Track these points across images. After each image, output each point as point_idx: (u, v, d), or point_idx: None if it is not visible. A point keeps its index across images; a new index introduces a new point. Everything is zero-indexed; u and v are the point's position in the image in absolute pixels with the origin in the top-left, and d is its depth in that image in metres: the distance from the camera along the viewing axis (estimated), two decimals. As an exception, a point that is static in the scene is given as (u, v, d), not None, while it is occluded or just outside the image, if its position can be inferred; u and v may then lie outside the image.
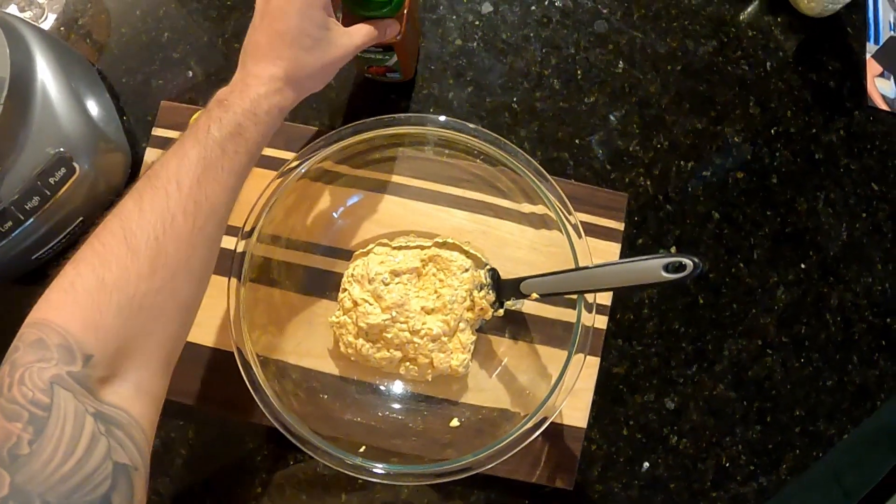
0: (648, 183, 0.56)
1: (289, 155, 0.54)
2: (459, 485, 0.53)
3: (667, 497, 0.53)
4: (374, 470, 0.44)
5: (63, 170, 0.51)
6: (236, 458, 0.54)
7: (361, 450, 0.45)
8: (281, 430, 0.44)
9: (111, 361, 0.33)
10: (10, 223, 0.51)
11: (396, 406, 0.50)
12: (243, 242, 0.47)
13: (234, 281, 0.47)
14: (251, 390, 0.45)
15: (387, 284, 0.48)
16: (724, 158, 0.57)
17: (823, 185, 0.57)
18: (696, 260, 0.38)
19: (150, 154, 0.55)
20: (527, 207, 0.50)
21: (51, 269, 0.54)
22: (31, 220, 0.51)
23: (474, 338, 0.50)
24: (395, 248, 0.50)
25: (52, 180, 0.50)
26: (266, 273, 0.50)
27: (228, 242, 0.53)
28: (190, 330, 0.39)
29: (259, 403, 0.45)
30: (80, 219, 0.53)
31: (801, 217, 0.57)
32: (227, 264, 0.53)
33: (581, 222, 0.47)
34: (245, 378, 0.45)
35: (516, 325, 0.51)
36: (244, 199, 0.53)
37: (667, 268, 0.38)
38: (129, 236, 0.34)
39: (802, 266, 0.56)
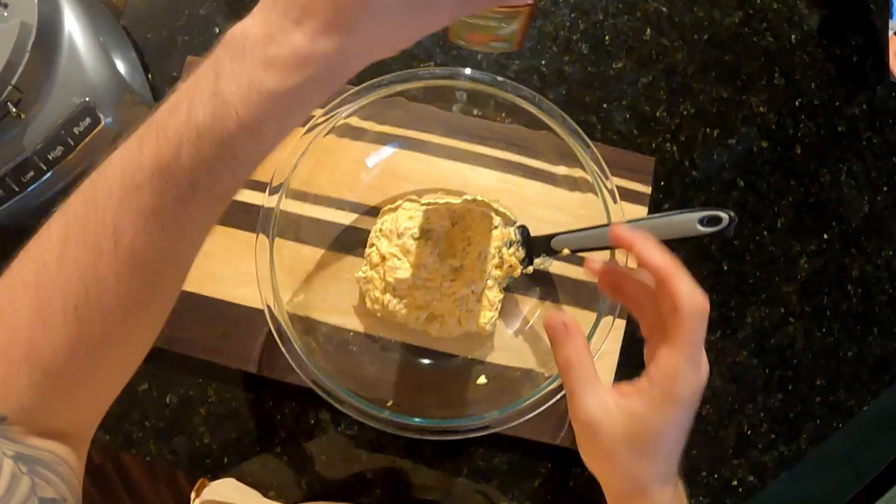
0: (675, 149, 0.56)
1: (315, 110, 0.53)
2: (482, 447, 0.52)
3: (688, 464, 0.53)
4: (403, 423, 0.43)
5: (88, 120, 0.50)
6: (256, 417, 0.53)
7: (389, 403, 0.45)
8: (311, 385, 0.44)
9: (29, 418, 0.28)
10: (31, 173, 0.50)
11: (421, 364, 0.50)
12: (272, 198, 0.46)
13: (262, 238, 0.46)
14: (281, 346, 0.44)
15: (416, 240, 0.48)
16: (749, 127, 0.57)
17: (846, 157, 0.57)
18: (731, 213, 0.38)
19: (175, 108, 0.54)
20: (560, 169, 0.50)
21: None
22: (53, 171, 0.51)
23: (501, 296, 0.50)
24: (423, 204, 0.50)
25: (76, 130, 0.50)
26: (293, 229, 0.50)
27: (254, 198, 0.53)
28: (131, 375, 0.32)
29: (290, 359, 0.44)
30: (103, 171, 0.52)
31: (823, 188, 0.57)
32: (252, 220, 0.53)
33: (612, 184, 0.47)
34: (275, 334, 0.44)
35: (543, 285, 0.51)
36: (275, 156, 0.53)
37: (702, 221, 0.38)
38: (43, 301, 0.26)
39: (825, 236, 0.56)
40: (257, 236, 0.45)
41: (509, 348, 0.50)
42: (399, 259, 0.47)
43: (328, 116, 0.47)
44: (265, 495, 0.53)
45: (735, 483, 0.53)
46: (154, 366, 0.54)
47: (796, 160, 0.57)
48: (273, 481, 0.53)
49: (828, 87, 0.58)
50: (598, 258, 0.38)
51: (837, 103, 0.58)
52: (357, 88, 0.47)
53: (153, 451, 0.54)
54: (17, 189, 0.50)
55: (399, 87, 0.48)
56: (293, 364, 0.44)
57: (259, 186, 0.53)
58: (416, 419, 0.43)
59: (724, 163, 0.56)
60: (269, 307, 0.45)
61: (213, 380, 0.54)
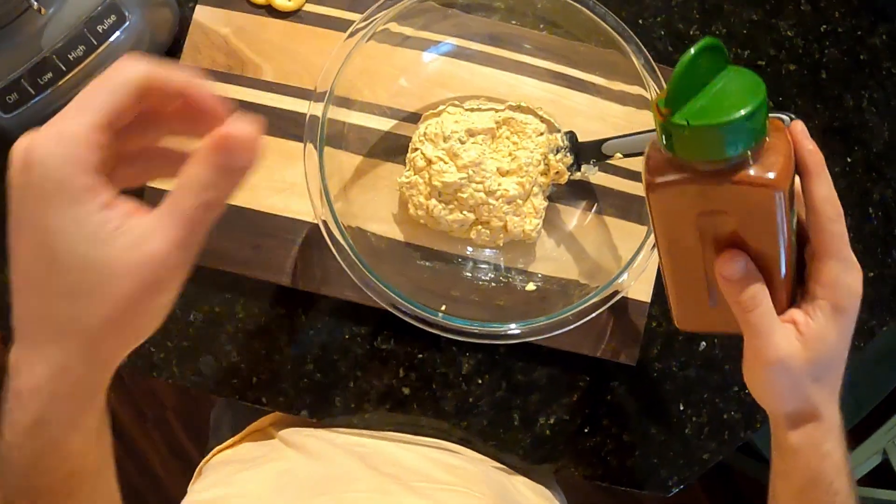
0: (708, 70, 0.56)
1: (353, 16, 0.51)
2: (521, 361, 0.52)
3: (721, 378, 0.54)
4: (455, 327, 0.42)
5: (113, 17, 0.47)
6: (287, 333, 0.51)
7: (442, 308, 0.43)
8: (364, 288, 0.42)
9: None
10: (49, 74, 0.47)
11: (464, 272, 0.49)
12: (317, 105, 0.43)
13: (310, 147, 0.43)
14: (333, 249, 0.42)
15: (463, 143, 0.47)
16: (777, 51, 0.58)
17: (868, 84, 0.59)
18: (792, 115, 0.38)
19: (201, 12, 0.51)
20: (615, 84, 0.49)
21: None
22: (74, 71, 0.47)
23: (546, 203, 0.49)
24: (467, 109, 0.49)
25: (100, 28, 0.47)
26: (334, 137, 0.47)
27: (282, 102, 0.51)
28: None
29: (343, 264, 0.42)
30: (123, 74, 0.49)
31: (847, 113, 0.58)
32: (282, 125, 0.51)
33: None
34: (327, 238, 0.42)
35: (586, 196, 0.50)
36: (311, 62, 0.51)
37: None
38: None
39: (848, 160, 0.58)
40: (305, 145, 0.42)
41: (552, 258, 0.50)
42: (446, 163, 0.46)
43: (368, 21, 0.45)
44: (297, 415, 0.51)
45: (765, 398, 0.54)
46: (176, 282, 0.51)
47: (822, 85, 0.58)
48: (306, 400, 0.51)
49: (851, 16, 0.59)
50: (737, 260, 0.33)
51: (860, 32, 0.59)
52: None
53: (176, 373, 0.52)
54: (32, 92, 0.47)
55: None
56: (347, 268, 0.42)
57: (286, 90, 0.51)
58: (471, 322, 0.42)
59: (754, 85, 0.57)
60: (323, 221, 0.43)
61: (241, 295, 0.51)
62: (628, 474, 0.53)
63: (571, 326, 0.43)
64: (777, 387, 0.34)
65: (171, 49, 0.52)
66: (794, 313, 0.34)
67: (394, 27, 0.45)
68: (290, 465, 0.48)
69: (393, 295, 0.42)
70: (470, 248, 0.49)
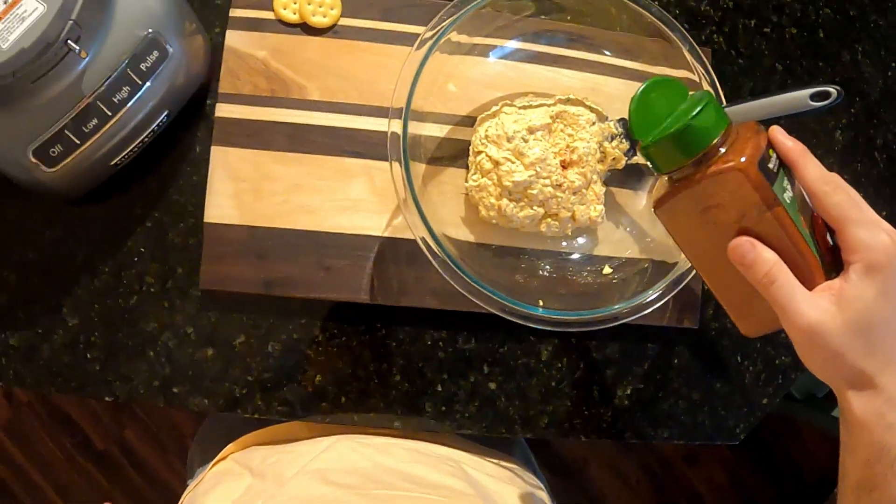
0: (721, 40, 0.59)
1: (388, 26, 0.51)
2: (593, 340, 0.54)
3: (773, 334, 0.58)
4: (555, 319, 0.44)
5: (155, 53, 0.45)
6: (370, 348, 0.52)
7: (540, 302, 0.45)
8: (467, 295, 0.43)
9: None
10: (94, 121, 0.45)
11: (539, 265, 0.50)
12: (396, 122, 0.43)
13: (395, 165, 0.42)
14: (439, 269, 0.43)
15: (526, 142, 0.48)
16: (778, 17, 0.61)
17: (860, 38, 0.63)
18: (838, 88, 0.42)
19: (232, 37, 0.50)
20: (659, 68, 0.51)
21: (127, 179, 0.49)
22: (119, 114, 0.45)
23: (604, 189, 0.51)
24: (520, 107, 0.50)
25: (143, 66, 0.45)
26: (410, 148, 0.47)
27: (336, 120, 0.50)
28: None
29: (445, 275, 0.43)
30: (166, 112, 0.48)
31: (846, 67, 0.63)
32: (337, 144, 0.50)
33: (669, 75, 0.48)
34: (432, 259, 0.43)
35: (638, 177, 0.53)
36: (355, 76, 0.50)
37: (812, 97, 0.42)
38: None
39: (852, 111, 0.62)
40: (391, 164, 0.42)
41: (615, 240, 0.52)
42: (513, 162, 0.47)
43: (434, 32, 0.44)
44: (390, 426, 0.52)
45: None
46: (248, 315, 0.51)
47: (821, 43, 0.62)
48: (397, 410, 0.52)
49: (836, -25, 0.64)
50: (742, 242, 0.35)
51: (845, -11, 0.64)
52: (450, 5, 0.45)
53: (261, 406, 0.51)
54: (77, 141, 0.45)
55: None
56: (450, 279, 0.43)
57: (335, 107, 0.50)
58: (570, 313, 0.44)
59: (763, 50, 0.60)
60: (422, 238, 0.43)
61: (316, 318, 0.51)
62: (700, 429, 0.57)
63: (661, 303, 0.45)
64: (819, 355, 0.34)
65: (206, 79, 0.51)
66: (830, 282, 0.34)
67: (454, 36, 0.46)
68: (242, 491, 0.48)
69: (498, 298, 0.43)
70: (539, 242, 0.51)
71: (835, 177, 0.34)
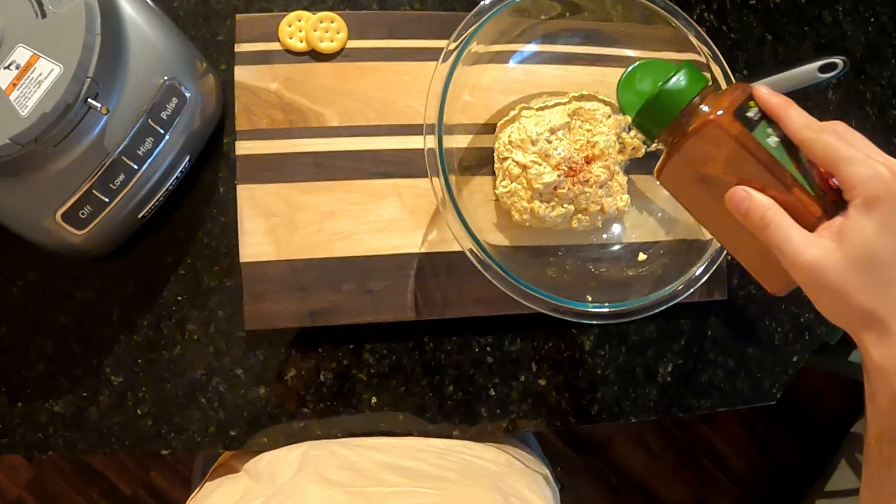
0: (712, 17, 0.61)
1: (396, 43, 0.51)
2: (632, 324, 0.56)
3: (795, 293, 0.60)
4: (605, 312, 0.45)
5: (174, 100, 0.45)
6: (420, 363, 0.52)
7: (589, 298, 0.46)
8: (518, 298, 0.44)
9: None
10: (121, 176, 0.44)
11: (574, 260, 0.51)
12: (431, 138, 0.43)
13: (437, 181, 0.43)
14: (490, 278, 0.43)
15: (550, 143, 0.49)
16: (762, -13, 0.63)
17: (837, -1, 0.66)
18: (844, 59, 0.43)
19: (241, 72, 0.49)
20: (668, 54, 0.52)
21: (154, 229, 0.48)
22: (145, 166, 0.45)
23: (626, 178, 0.52)
24: (537, 109, 0.51)
25: (164, 115, 0.44)
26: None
27: (361, 144, 0.50)
28: None
29: (501, 286, 0.44)
30: (188, 156, 0.47)
31: (830, 28, 0.65)
32: (363, 167, 0.50)
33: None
34: (482, 269, 0.43)
35: (656, 163, 0.54)
36: (371, 96, 0.50)
37: (821, 69, 0.44)
38: None
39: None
40: (431, 179, 0.43)
41: (641, 226, 0.53)
42: (540, 164, 0.48)
43: (458, 42, 0.45)
44: (450, 436, 0.53)
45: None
46: (296, 349, 0.51)
47: (803, 9, 0.64)
48: (455, 420, 0.53)
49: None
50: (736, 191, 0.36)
51: (818, -47, 0.66)
52: (469, 16, 0.45)
53: (321, 435, 0.52)
54: (106, 200, 0.44)
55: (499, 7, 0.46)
56: (502, 287, 0.43)
57: (355, 131, 0.50)
58: (620, 304, 0.45)
59: (751, 22, 0.62)
60: (470, 249, 0.44)
61: (364, 341, 0.52)
62: (740, 394, 0.59)
63: (703, 281, 0.47)
64: (825, 295, 0.33)
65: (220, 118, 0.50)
66: (831, 221, 0.33)
67: (474, 47, 0.46)
68: (240, 494, 0.49)
69: (549, 300, 0.44)
70: (572, 237, 0.52)
71: (819, 123, 0.34)
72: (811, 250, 0.32)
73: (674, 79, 0.37)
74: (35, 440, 0.49)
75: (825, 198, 0.34)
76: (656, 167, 0.39)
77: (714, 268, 0.47)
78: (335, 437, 0.51)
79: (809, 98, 0.63)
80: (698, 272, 0.47)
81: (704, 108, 0.36)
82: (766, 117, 0.36)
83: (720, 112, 0.35)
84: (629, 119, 0.51)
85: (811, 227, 0.34)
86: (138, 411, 0.50)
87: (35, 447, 0.49)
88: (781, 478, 1.32)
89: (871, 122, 0.65)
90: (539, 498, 0.49)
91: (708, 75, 0.49)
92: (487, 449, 0.54)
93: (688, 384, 0.58)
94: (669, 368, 0.57)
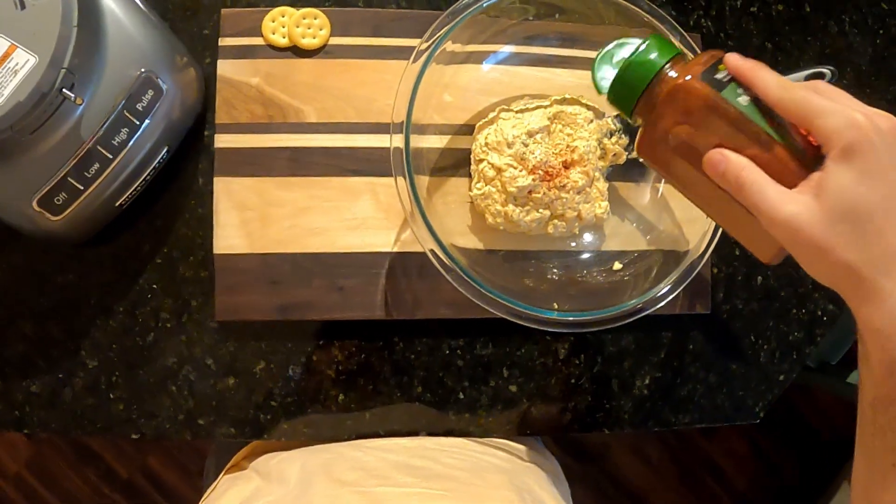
0: (709, 24, 0.59)
1: (379, 41, 0.51)
2: (609, 333, 0.55)
3: (780, 304, 0.59)
4: (569, 321, 0.44)
5: (150, 92, 0.45)
6: (390, 363, 0.52)
7: (555, 305, 0.45)
8: (479, 303, 0.43)
9: None
10: (96, 165, 0.45)
11: (549, 267, 0.51)
12: (398, 137, 0.43)
13: (400, 180, 0.43)
14: (450, 279, 0.43)
15: (527, 146, 0.48)
16: (764, -6, 0.61)
17: (845, 8, 0.63)
18: (832, 69, 0.42)
19: (224, 66, 0.50)
20: None
21: (133, 217, 0.49)
22: (120, 156, 0.45)
23: (607, 184, 0.51)
24: (517, 112, 0.50)
25: (139, 106, 0.45)
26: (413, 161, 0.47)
27: (338, 141, 0.50)
28: None
29: (461, 287, 0.43)
30: (166, 148, 0.48)
31: (834, 39, 0.63)
32: (340, 163, 0.50)
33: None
34: (442, 270, 0.43)
35: (641, 170, 0.53)
36: (351, 94, 0.50)
37: (808, 78, 0.42)
38: None
39: (844, 81, 0.62)
40: (396, 179, 0.43)
41: (621, 234, 0.52)
42: (516, 168, 0.48)
43: (430, 43, 0.44)
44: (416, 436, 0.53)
45: (819, 313, 0.60)
46: (266, 342, 0.51)
47: (808, 17, 0.62)
48: (422, 421, 0.53)
49: (817, -53, 0.64)
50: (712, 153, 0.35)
51: (827, -39, 0.64)
52: (444, 15, 0.45)
53: (287, 429, 0.52)
54: (81, 187, 0.45)
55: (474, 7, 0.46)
56: (461, 288, 0.43)
57: (333, 128, 0.50)
58: (584, 314, 0.45)
59: (751, 30, 0.60)
60: (431, 250, 0.43)
61: (334, 338, 0.52)
62: (720, 411, 0.58)
63: (674, 294, 0.46)
64: (807, 253, 0.31)
65: (201, 111, 0.51)
66: (810, 177, 0.31)
67: (448, 46, 0.46)
68: (250, 493, 0.49)
69: (512, 305, 0.43)
70: (548, 243, 0.51)
71: (790, 81, 0.33)
72: (788, 206, 0.31)
73: (640, 49, 0.37)
74: (11, 418, 0.51)
75: (805, 154, 0.33)
76: (636, 142, 0.39)
77: (683, 285, 0.46)
78: (302, 431, 0.52)
79: (810, 110, 0.61)
80: (663, 290, 0.46)
81: (672, 74, 0.36)
82: (736, 80, 0.35)
83: (688, 77, 0.35)
84: (610, 124, 0.51)
85: (791, 185, 0.32)
86: (111, 395, 0.51)
87: (11, 424, 0.51)
88: (782, 496, 1.28)
89: (875, 137, 0.63)
90: (550, 496, 0.49)
91: (679, 45, 0.48)
92: (497, 446, 0.54)
93: (666, 398, 0.56)
94: (647, 381, 0.56)
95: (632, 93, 0.37)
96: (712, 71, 0.35)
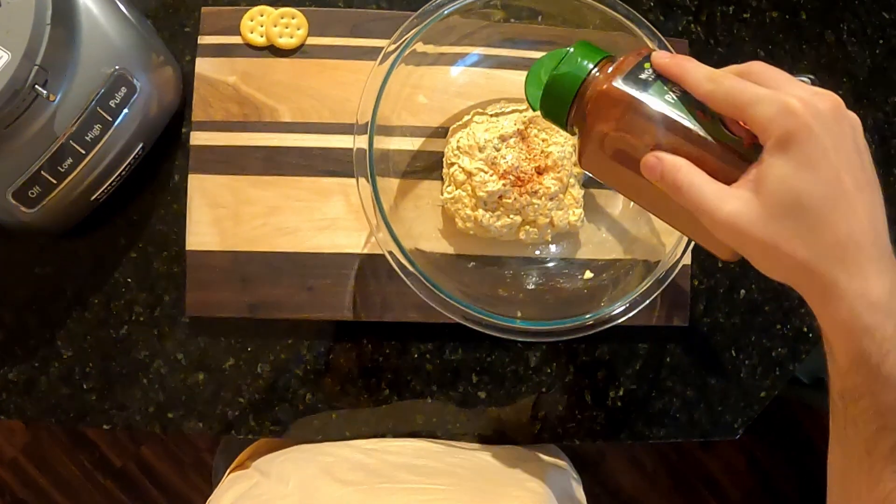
0: (699, 29, 0.58)
1: (357, 42, 0.51)
2: (583, 342, 0.54)
3: (764, 318, 0.57)
4: (533, 330, 0.44)
5: (123, 89, 0.46)
6: (357, 364, 0.52)
7: (518, 314, 0.45)
8: (441, 310, 0.43)
9: None
10: (69, 160, 0.46)
11: (521, 273, 0.50)
12: (362, 138, 0.43)
13: (363, 182, 0.42)
14: (408, 282, 0.43)
15: (498, 150, 0.47)
16: (758, 1, 0.60)
17: (844, 17, 0.62)
18: (812, 77, 0.41)
19: (202, 64, 0.50)
20: None
21: (110, 212, 0.50)
22: (93, 152, 0.46)
23: (583, 192, 0.50)
24: (492, 115, 0.50)
25: (112, 103, 0.46)
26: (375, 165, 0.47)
27: (311, 141, 0.50)
28: None
29: (419, 292, 0.43)
30: (141, 144, 0.48)
31: (831, 48, 0.61)
32: (313, 164, 0.50)
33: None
34: (401, 273, 0.43)
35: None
36: (326, 94, 0.50)
37: None
38: None
39: (840, 92, 0.60)
40: (357, 179, 0.42)
41: (596, 242, 0.52)
42: (486, 172, 0.47)
43: (398, 44, 0.44)
44: (382, 437, 0.53)
45: (805, 329, 0.58)
46: (236, 339, 0.52)
47: (804, 26, 0.60)
48: (388, 423, 0.52)
49: (816, -47, 0.62)
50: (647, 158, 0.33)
51: (827, -32, 0.62)
52: (413, 16, 0.45)
53: (255, 426, 0.52)
54: (54, 181, 0.46)
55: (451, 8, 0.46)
56: (419, 292, 0.43)
57: (307, 128, 0.51)
58: (546, 323, 0.44)
59: (743, 37, 0.59)
60: (389, 252, 0.43)
61: (302, 338, 0.52)
62: (697, 426, 0.56)
63: (641, 306, 0.45)
64: (755, 250, 0.30)
65: (179, 108, 0.51)
66: (749, 171, 0.30)
67: (419, 47, 0.45)
68: (247, 488, 0.49)
69: (469, 310, 0.43)
70: (519, 249, 0.51)
71: (719, 72, 0.31)
72: (727, 204, 0.30)
73: (566, 58, 0.36)
74: (-12, 404, 0.52)
75: (741, 145, 0.31)
76: (576, 155, 0.38)
77: (653, 296, 0.45)
78: (268, 428, 0.52)
79: (802, 120, 0.60)
80: (617, 311, 0.44)
81: (598, 78, 0.35)
82: (663, 77, 0.34)
83: (612, 82, 0.33)
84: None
85: (732, 181, 0.31)
86: (84, 385, 0.52)
87: (-13, 411, 0.52)
88: (779, 511, 1.26)
89: (871, 150, 0.61)
90: (562, 493, 0.49)
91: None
92: (499, 447, 0.54)
93: (640, 411, 0.55)
94: (621, 392, 0.55)
95: (561, 105, 0.36)
96: (638, 71, 0.33)
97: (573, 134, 0.38)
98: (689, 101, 0.32)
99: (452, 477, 0.47)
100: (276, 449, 0.54)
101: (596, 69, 0.35)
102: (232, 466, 0.57)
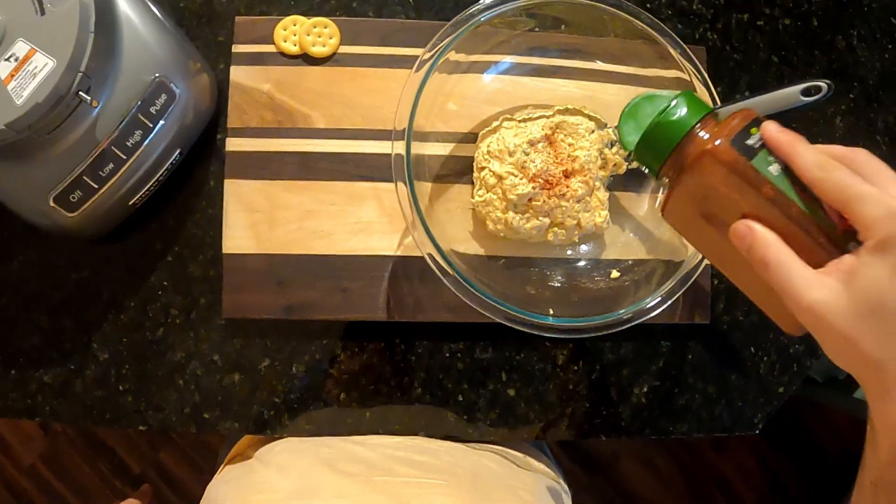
0: (715, 36, 0.60)
1: (387, 50, 0.53)
2: (607, 341, 0.55)
3: (759, 319, 0.58)
4: (566, 327, 0.45)
5: (163, 96, 0.47)
6: (391, 364, 0.53)
7: (550, 311, 0.46)
8: (480, 310, 0.44)
9: None
10: (110, 165, 0.47)
11: (549, 274, 0.52)
12: (399, 144, 0.44)
13: (401, 186, 0.44)
14: (448, 283, 0.44)
15: (528, 154, 0.49)
16: (770, 7, 0.62)
17: (854, 23, 0.64)
18: (829, 82, 0.42)
19: (236, 72, 0.52)
20: (651, 70, 0.51)
21: (146, 216, 0.51)
22: (133, 157, 0.47)
23: (608, 194, 0.52)
24: (520, 121, 0.51)
25: (153, 110, 0.47)
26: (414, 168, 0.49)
27: (343, 146, 0.51)
28: None
29: (459, 292, 0.44)
30: (178, 150, 0.49)
31: (842, 53, 0.63)
32: (346, 169, 0.52)
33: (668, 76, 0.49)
34: (440, 274, 0.44)
35: (641, 180, 0.54)
36: (358, 102, 0.51)
37: (804, 92, 0.43)
38: None
39: (851, 96, 0.63)
40: (396, 184, 0.44)
41: (622, 243, 0.53)
42: (516, 176, 0.48)
43: (433, 53, 0.46)
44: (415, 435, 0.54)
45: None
46: (271, 340, 0.53)
47: (815, 31, 0.62)
48: (421, 422, 0.54)
49: (826, -38, 0.64)
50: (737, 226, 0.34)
51: (837, -24, 0.64)
52: (450, 24, 0.46)
53: (289, 425, 0.53)
54: (95, 186, 0.47)
55: (486, 16, 0.47)
56: (458, 293, 0.44)
57: (341, 134, 0.52)
58: (583, 319, 0.45)
59: (758, 43, 0.61)
60: (429, 254, 0.44)
61: (337, 338, 0.53)
62: (718, 422, 0.58)
63: (670, 301, 0.46)
64: (831, 340, 0.31)
65: (214, 115, 0.52)
66: (841, 260, 0.31)
67: (452, 56, 0.47)
68: (249, 477, 0.50)
69: (507, 310, 0.44)
70: (548, 250, 0.52)
71: (830, 160, 0.31)
72: (815, 292, 0.30)
73: (669, 109, 0.36)
74: (24, 406, 0.52)
75: (835, 229, 0.32)
76: (660, 203, 0.38)
77: (677, 295, 0.46)
78: (303, 427, 0.53)
79: (815, 124, 0.62)
80: (657, 300, 0.46)
81: (703, 136, 0.35)
82: (767, 146, 0.34)
83: (718, 141, 0.33)
84: (611, 135, 0.51)
85: (819, 264, 0.31)
86: (120, 387, 0.53)
87: (23, 412, 0.53)
88: (790, 512, 1.27)
89: (882, 152, 0.63)
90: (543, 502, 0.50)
91: (710, 104, 0.48)
92: (497, 452, 0.55)
93: (663, 407, 0.57)
94: (645, 389, 0.56)
95: (660, 153, 0.36)
96: (744, 135, 0.33)
97: (660, 182, 0.38)
98: (792, 176, 0.32)
99: (451, 475, 0.49)
100: (275, 438, 0.55)
101: (699, 124, 0.35)
102: (231, 454, 0.58)
